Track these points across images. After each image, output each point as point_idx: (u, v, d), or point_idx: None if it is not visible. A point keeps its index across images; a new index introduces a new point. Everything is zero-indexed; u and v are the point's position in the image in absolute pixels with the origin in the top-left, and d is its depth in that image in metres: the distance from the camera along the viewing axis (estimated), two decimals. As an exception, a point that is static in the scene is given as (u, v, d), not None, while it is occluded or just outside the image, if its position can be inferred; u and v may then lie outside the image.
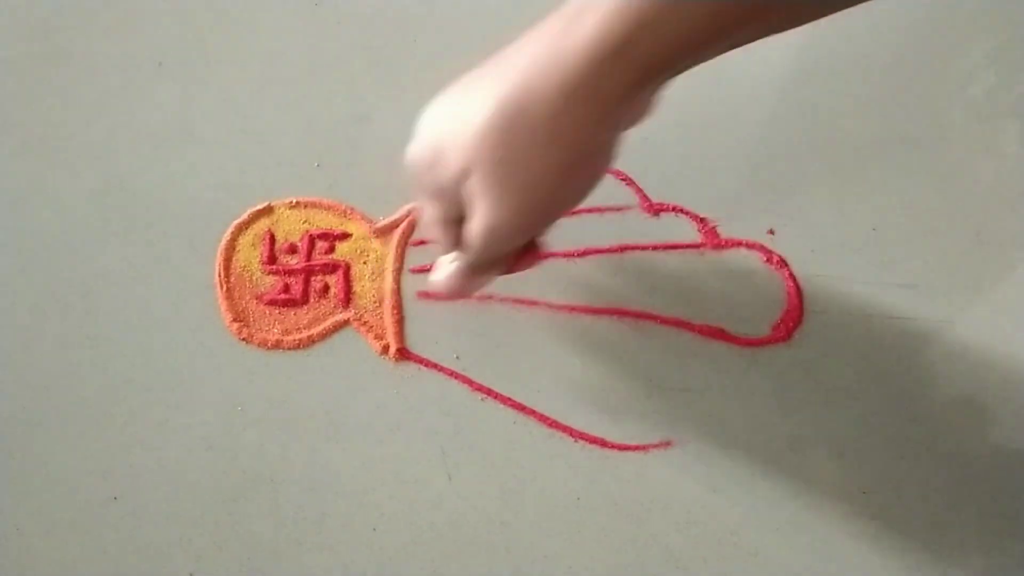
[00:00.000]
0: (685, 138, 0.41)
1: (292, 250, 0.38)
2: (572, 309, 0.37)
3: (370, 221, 0.39)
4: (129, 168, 0.40)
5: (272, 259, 0.38)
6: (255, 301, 0.37)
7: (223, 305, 0.37)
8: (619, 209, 0.39)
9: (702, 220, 0.39)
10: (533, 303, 0.37)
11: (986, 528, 0.32)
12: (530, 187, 0.29)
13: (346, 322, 0.37)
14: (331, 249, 0.38)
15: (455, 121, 0.30)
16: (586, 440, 0.34)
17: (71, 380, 0.35)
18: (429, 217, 0.32)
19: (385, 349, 0.36)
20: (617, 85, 0.27)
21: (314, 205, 0.39)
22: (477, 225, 0.30)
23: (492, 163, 0.29)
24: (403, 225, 0.39)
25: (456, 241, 0.32)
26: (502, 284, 0.37)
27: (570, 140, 0.29)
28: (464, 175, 0.29)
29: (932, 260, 0.38)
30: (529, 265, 0.34)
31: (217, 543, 0.32)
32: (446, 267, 0.33)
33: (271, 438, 0.34)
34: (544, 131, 0.28)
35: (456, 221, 0.32)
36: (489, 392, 0.35)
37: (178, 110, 0.42)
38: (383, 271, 0.38)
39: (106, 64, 0.44)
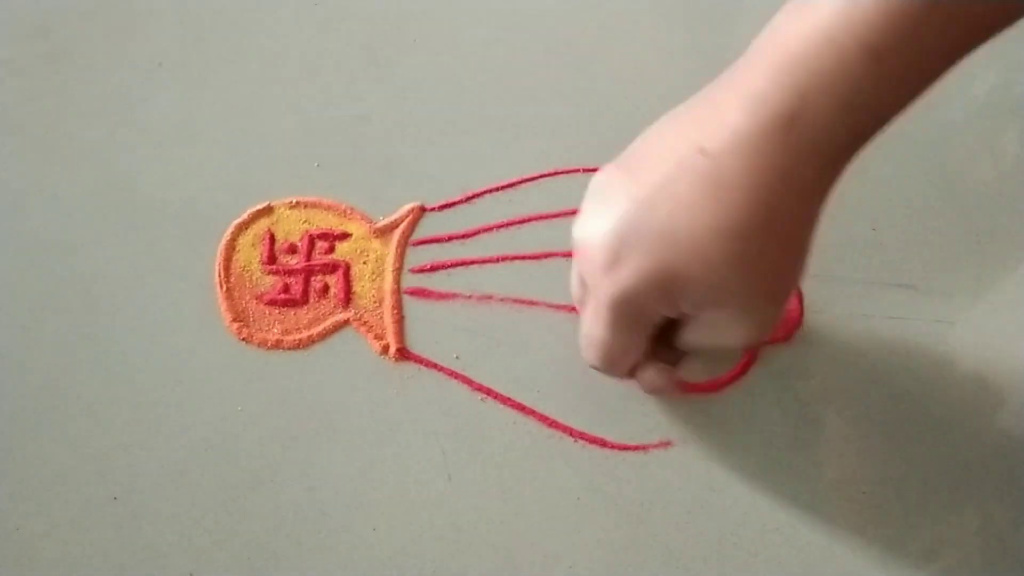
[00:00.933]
0: (685, 138, 0.41)
1: (292, 250, 0.38)
2: (572, 309, 0.37)
3: (370, 221, 0.39)
4: (129, 168, 0.40)
5: (272, 259, 0.38)
6: (255, 301, 0.37)
7: (223, 305, 0.37)
8: (619, 209, 0.39)
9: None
10: (533, 303, 0.37)
11: (986, 528, 0.32)
12: (781, 294, 0.29)
13: (346, 322, 0.37)
14: (331, 249, 0.38)
15: (686, 247, 0.27)
16: (586, 440, 0.34)
17: (71, 380, 0.35)
18: (622, 343, 0.30)
19: (385, 349, 0.36)
20: (836, 179, 0.28)
21: (314, 205, 0.39)
22: (727, 339, 0.29)
23: (750, 267, 0.27)
24: (403, 225, 0.39)
25: (649, 347, 0.31)
26: (502, 284, 0.37)
27: (806, 240, 0.28)
28: (704, 304, 0.28)
29: (932, 260, 0.38)
30: (777, 341, 0.35)
31: (217, 543, 0.32)
32: (656, 371, 0.32)
33: (271, 438, 0.34)
34: (788, 240, 0.27)
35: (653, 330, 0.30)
36: (489, 392, 0.35)
37: (178, 110, 0.42)
38: (383, 271, 0.38)
39: (106, 64, 0.44)
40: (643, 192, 0.28)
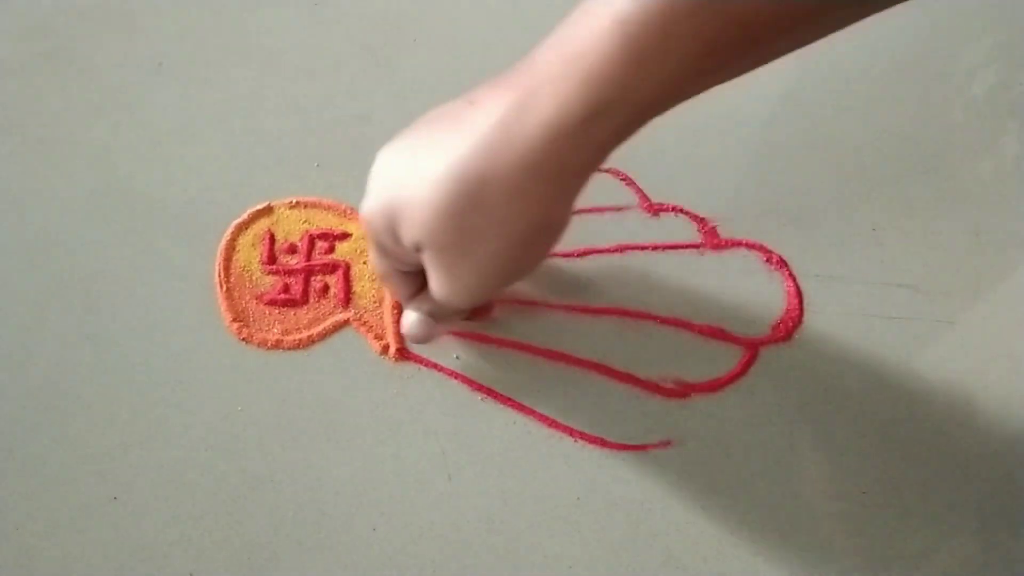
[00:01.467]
0: (685, 138, 0.41)
1: (292, 250, 0.38)
2: (572, 309, 0.37)
3: (370, 221, 0.39)
4: (129, 168, 0.40)
5: (272, 259, 0.38)
6: (255, 301, 0.37)
7: (223, 305, 0.37)
8: (619, 209, 0.39)
9: (702, 220, 0.39)
10: (533, 303, 0.37)
11: (986, 528, 0.32)
12: (484, 264, 0.29)
13: (346, 322, 0.37)
14: (331, 249, 0.38)
15: (409, 186, 0.28)
16: (586, 440, 0.34)
17: (71, 380, 0.35)
18: (381, 269, 0.32)
19: (385, 349, 0.36)
20: (580, 162, 0.27)
21: (314, 205, 0.39)
22: (434, 290, 0.30)
23: (446, 243, 0.28)
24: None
25: (412, 291, 0.33)
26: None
27: (529, 217, 0.27)
28: (418, 247, 0.29)
29: (932, 260, 0.38)
30: (486, 315, 0.36)
31: (217, 543, 0.32)
32: (411, 315, 0.33)
33: (271, 438, 0.34)
34: (502, 208, 0.27)
35: (413, 273, 0.32)
36: (489, 392, 0.35)
37: (178, 110, 0.42)
38: (383, 271, 0.38)
39: (106, 64, 0.44)
40: (410, 131, 0.30)
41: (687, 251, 0.38)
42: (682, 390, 0.35)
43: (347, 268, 0.38)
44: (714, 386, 0.35)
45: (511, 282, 0.31)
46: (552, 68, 0.26)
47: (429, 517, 0.33)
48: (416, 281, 0.33)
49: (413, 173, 0.28)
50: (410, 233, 0.29)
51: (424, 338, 0.34)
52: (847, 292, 0.37)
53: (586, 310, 0.37)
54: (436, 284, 0.30)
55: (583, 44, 0.25)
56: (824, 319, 0.37)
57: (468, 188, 0.27)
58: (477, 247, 0.28)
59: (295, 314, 0.37)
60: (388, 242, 0.30)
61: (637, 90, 0.25)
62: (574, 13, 0.26)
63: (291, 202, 0.39)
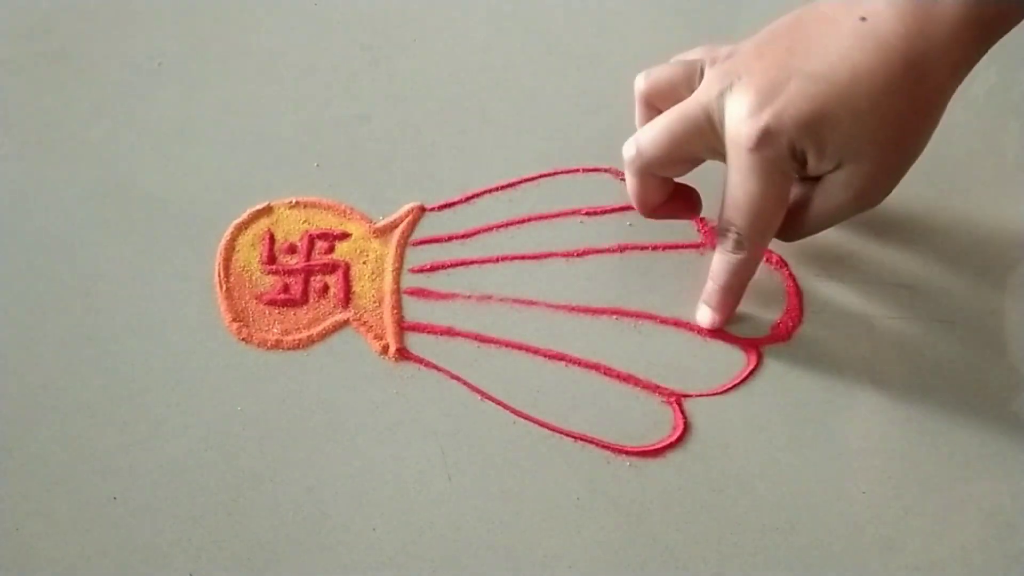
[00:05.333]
0: (685, 138, 0.41)
1: (292, 250, 0.38)
2: (572, 309, 0.37)
3: (370, 221, 0.39)
4: (129, 168, 0.40)
5: (272, 259, 0.38)
6: (255, 301, 0.37)
7: (223, 305, 0.37)
8: (619, 209, 0.39)
9: (702, 220, 0.39)
10: (533, 303, 0.37)
11: (986, 528, 0.32)
12: (911, 149, 0.30)
13: (346, 322, 0.37)
14: (331, 249, 0.38)
15: (833, 97, 0.29)
16: (586, 440, 0.34)
17: (71, 380, 0.35)
18: (777, 199, 0.32)
19: (385, 349, 0.36)
20: (980, 51, 0.29)
21: (314, 205, 0.39)
22: (858, 199, 0.31)
23: (887, 143, 0.29)
24: (403, 225, 0.39)
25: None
26: (502, 284, 0.37)
27: (942, 106, 0.30)
28: (843, 159, 0.30)
29: (932, 260, 0.38)
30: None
31: (217, 543, 0.32)
32: (710, 291, 0.35)
33: (271, 438, 0.34)
34: (933, 98, 0.29)
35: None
36: (488, 392, 0.35)
37: (178, 110, 0.42)
38: (383, 271, 0.38)
39: (106, 64, 0.44)
40: (799, 46, 0.30)
41: (687, 251, 0.38)
42: (682, 391, 0.35)
43: (347, 268, 0.38)
44: (716, 391, 0.35)
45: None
46: None
47: (429, 517, 0.33)
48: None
49: (830, 84, 0.29)
50: (844, 141, 0.29)
51: (735, 300, 0.35)
52: (847, 292, 0.37)
53: (586, 310, 0.37)
54: (861, 189, 0.31)
55: None
56: (824, 319, 0.36)
57: (909, 83, 0.29)
58: (912, 140, 0.30)
59: (295, 314, 0.37)
60: (785, 162, 0.30)
61: None
62: None
63: (291, 202, 0.39)
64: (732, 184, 0.32)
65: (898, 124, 0.30)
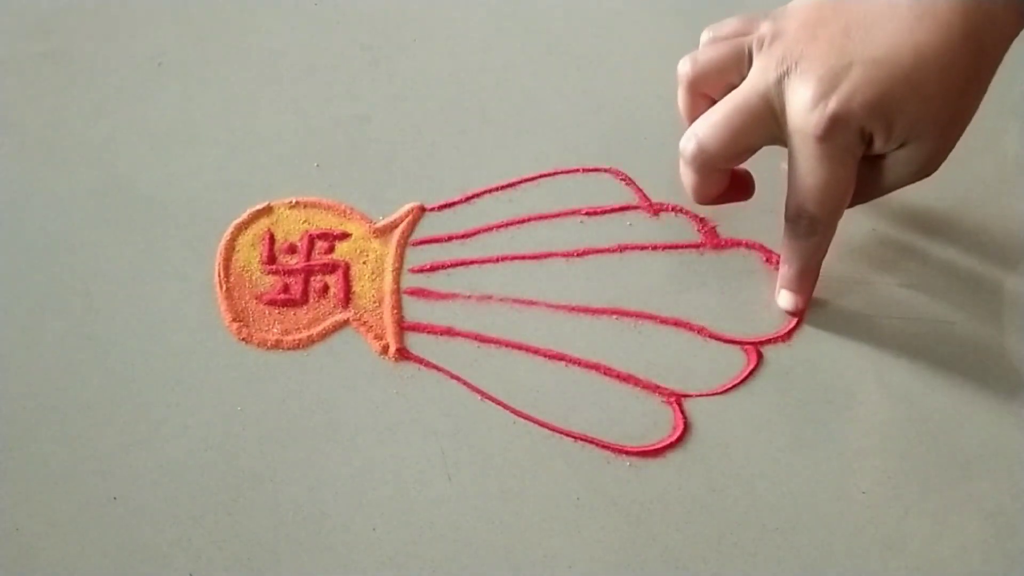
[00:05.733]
0: (685, 138, 0.41)
1: (292, 250, 0.38)
2: (572, 309, 0.37)
3: (370, 221, 0.39)
4: (129, 168, 0.40)
5: (272, 259, 0.38)
6: (255, 301, 0.37)
7: (223, 305, 0.37)
8: (619, 209, 0.39)
9: (702, 220, 0.39)
10: (533, 303, 0.37)
11: (985, 528, 0.32)
12: (967, 119, 0.31)
13: (346, 322, 0.37)
14: (331, 249, 0.38)
15: (897, 77, 0.29)
16: (586, 440, 0.34)
17: (71, 380, 0.35)
18: (847, 182, 0.32)
19: (385, 349, 0.36)
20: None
21: (314, 205, 0.39)
22: (917, 172, 0.31)
23: (947, 119, 0.30)
24: (403, 225, 0.39)
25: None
26: (502, 284, 0.37)
27: (992, 77, 0.30)
28: (908, 137, 0.30)
29: (932, 260, 0.38)
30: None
31: (217, 543, 0.32)
32: (788, 276, 0.35)
33: (271, 438, 0.34)
34: (987, 70, 0.30)
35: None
36: (488, 392, 0.35)
37: (178, 110, 0.42)
38: (383, 271, 0.38)
39: (106, 64, 0.44)
40: (855, 28, 0.30)
41: (687, 251, 0.38)
42: (682, 391, 0.35)
43: (347, 268, 0.38)
44: (716, 391, 0.35)
45: None
46: None
47: (429, 517, 0.33)
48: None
49: (894, 68, 0.29)
50: (911, 122, 0.30)
51: (813, 279, 0.35)
52: (847, 292, 0.37)
53: (586, 310, 0.37)
54: (921, 162, 0.31)
55: None
56: (824, 319, 0.36)
57: (969, 59, 0.29)
58: (969, 113, 0.31)
59: (295, 314, 0.37)
60: (855, 147, 0.30)
61: None
62: None
63: (291, 202, 0.39)
64: (801, 171, 0.32)
65: (959, 101, 0.30)
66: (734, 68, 0.33)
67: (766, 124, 0.32)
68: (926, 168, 0.32)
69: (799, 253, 0.34)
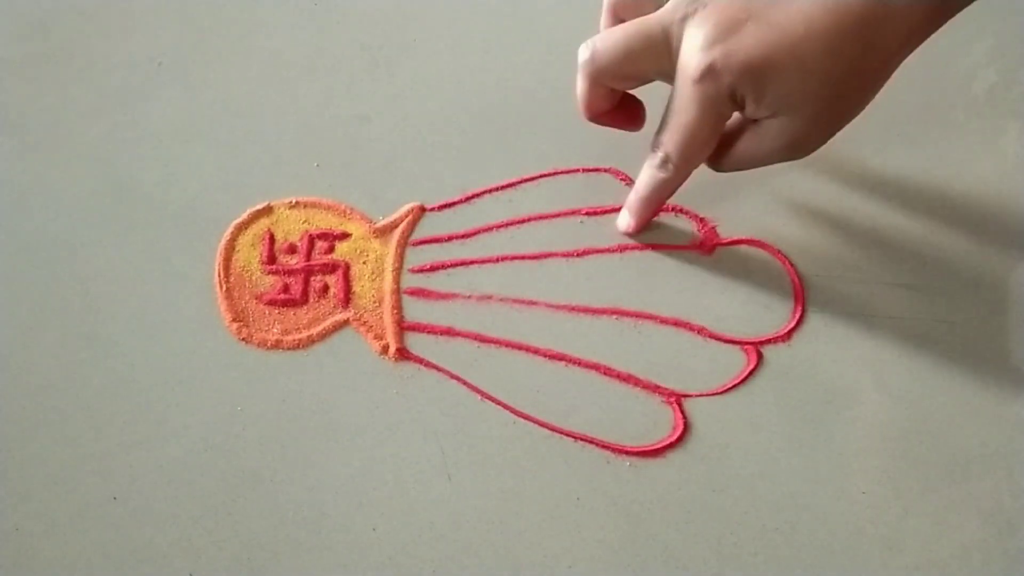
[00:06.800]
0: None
1: (292, 250, 0.38)
2: (572, 309, 0.37)
3: (370, 221, 0.39)
4: (129, 168, 0.40)
5: (272, 259, 0.38)
6: (255, 301, 0.37)
7: (223, 305, 0.37)
8: (619, 209, 0.39)
9: (702, 220, 0.39)
10: (533, 303, 0.37)
11: (986, 528, 0.32)
12: (849, 111, 0.31)
13: (346, 322, 0.37)
14: (331, 249, 0.38)
15: (783, 46, 0.29)
16: (586, 440, 0.34)
17: (71, 380, 0.35)
18: (710, 131, 0.32)
19: (385, 349, 0.36)
20: (936, 24, 0.30)
21: (314, 205, 0.39)
22: (782, 149, 0.32)
23: (828, 95, 0.30)
24: (403, 225, 0.39)
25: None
26: (502, 284, 0.37)
27: (886, 75, 0.30)
28: (780, 104, 0.30)
29: (932, 260, 0.38)
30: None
31: (217, 543, 0.32)
32: (631, 198, 0.36)
33: (271, 438, 0.34)
34: (878, 63, 0.30)
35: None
36: (488, 392, 0.35)
37: (178, 110, 0.42)
38: (383, 271, 0.38)
39: (106, 64, 0.44)
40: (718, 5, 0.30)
41: (687, 251, 0.38)
42: (682, 391, 0.35)
43: (347, 268, 0.38)
44: (716, 391, 0.35)
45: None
46: None
47: (429, 517, 0.33)
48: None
49: (782, 34, 0.29)
50: (784, 93, 0.30)
51: (659, 201, 0.36)
52: (847, 292, 0.37)
53: (586, 310, 0.37)
54: (788, 140, 0.31)
55: None
56: (824, 319, 0.36)
57: (859, 46, 0.29)
58: (854, 92, 0.30)
59: (295, 314, 0.37)
60: (723, 102, 0.31)
61: None
62: None
63: (291, 202, 0.39)
64: (671, 108, 0.33)
65: (838, 85, 0.30)
66: None
67: (659, 55, 0.32)
68: (796, 145, 0.32)
69: (646, 181, 0.36)
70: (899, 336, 0.36)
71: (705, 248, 0.38)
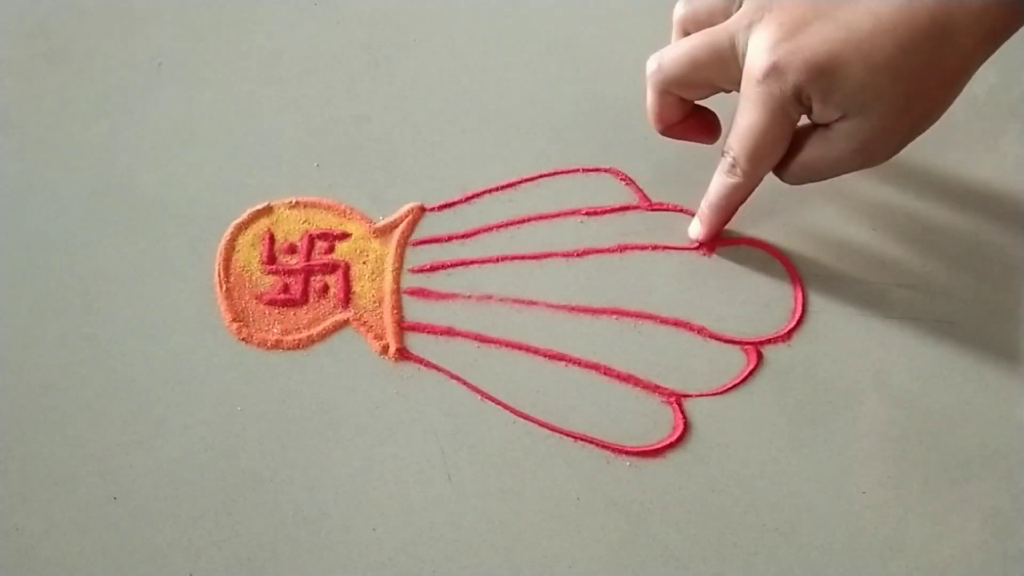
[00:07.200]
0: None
1: (292, 250, 0.38)
2: (572, 309, 0.37)
3: (370, 221, 0.39)
4: (129, 168, 0.40)
5: (272, 259, 0.38)
6: (255, 301, 0.37)
7: (223, 305, 0.37)
8: (619, 209, 0.39)
9: (702, 220, 0.39)
10: (533, 303, 0.37)
11: (986, 528, 0.32)
12: (925, 115, 0.30)
13: (346, 322, 0.37)
14: (331, 249, 0.38)
15: (850, 46, 0.29)
16: (586, 440, 0.34)
17: (71, 380, 0.35)
18: (777, 135, 0.32)
19: (385, 349, 0.36)
20: (1016, 24, 0.29)
21: (314, 205, 0.39)
22: (855, 156, 0.31)
23: (907, 84, 0.29)
24: (403, 225, 0.39)
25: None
26: (502, 284, 0.38)
27: (965, 77, 0.30)
28: (850, 105, 0.29)
29: (932, 260, 0.38)
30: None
31: (217, 543, 0.32)
32: (703, 205, 0.36)
33: (271, 438, 0.34)
34: (954, 60, 0.29)
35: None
36: (488, 392, 0.35)
37: (178, 110, 0.42)
38: (383, 271, 0.38)
39: (106, 64, 0.44)
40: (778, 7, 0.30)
41: (687, 251, 0.38)
42: (682, 391, 0.35)
43: (347, 268, 0.38)
44: (716, 391, 0.35)
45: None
46: None
47: (429, 517, 0.33)
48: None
49: (849, 32, 0.29)
50: (852, 92, 0.29)
51: (730, 209, 0.36)
52: (847, 292, 0.37)
53: (586, 310, 0.37)
54: (861, 146, 0.31)
55: None
56: (824, 319, 0.36)
57: (932, 43, 0.28)
58: (925, 104, 0.30)
59: (295, 314, 0.37)
60: (789, 102, 0.30)
61: None
62: None
63: (291, 202, 0.39)
64: (739, 111, 0.32)
65: (912, 83, 0.29)
66: (722, 13, 0.33)
67: (726, 63, 0.32)
68: (867, 151, 0.31)
69: (717, 187, 0.35)
70: (899, 336, 0.36)
71: (705, 248, 0.38)
